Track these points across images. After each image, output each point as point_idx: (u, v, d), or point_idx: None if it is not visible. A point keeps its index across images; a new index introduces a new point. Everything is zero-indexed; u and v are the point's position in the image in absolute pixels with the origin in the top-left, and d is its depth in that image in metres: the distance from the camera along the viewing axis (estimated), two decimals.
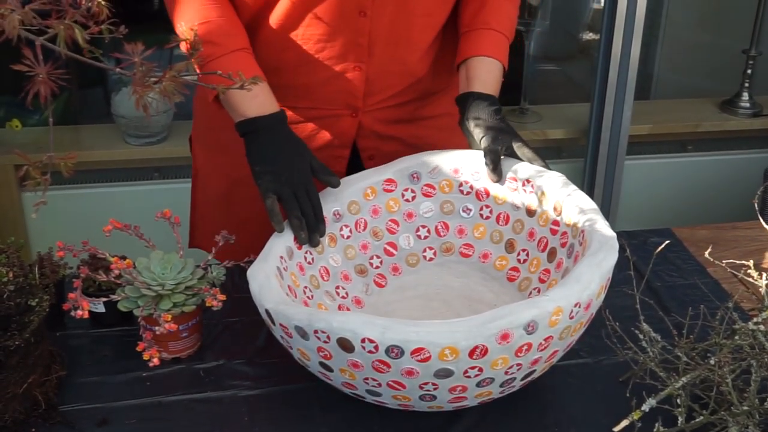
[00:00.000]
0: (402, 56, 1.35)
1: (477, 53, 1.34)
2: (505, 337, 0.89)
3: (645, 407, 0.95)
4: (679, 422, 0.96)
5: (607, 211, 2.56)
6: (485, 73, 1.32)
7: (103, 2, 0.70)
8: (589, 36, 2.99)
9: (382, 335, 0.89)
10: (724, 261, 1.21)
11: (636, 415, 0.95)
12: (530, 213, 1.22)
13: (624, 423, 0.96)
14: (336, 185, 1.21)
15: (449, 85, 1.47)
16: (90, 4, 0.69)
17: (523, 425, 1.06)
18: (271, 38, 1.30)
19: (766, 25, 2.71)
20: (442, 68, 1.43)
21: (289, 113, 1.36)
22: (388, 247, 1.28)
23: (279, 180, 1.17)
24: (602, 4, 2.40)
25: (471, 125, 1.27)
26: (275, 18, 1.28)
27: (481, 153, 1.25)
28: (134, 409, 1.07)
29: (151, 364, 1.08)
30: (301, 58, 1.31)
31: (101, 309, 1.18)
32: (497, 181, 1.24)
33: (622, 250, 1.04)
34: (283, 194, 1.16)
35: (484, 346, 0.89)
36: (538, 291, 1.19)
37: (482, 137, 1.25)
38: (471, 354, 0.89)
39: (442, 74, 1.44)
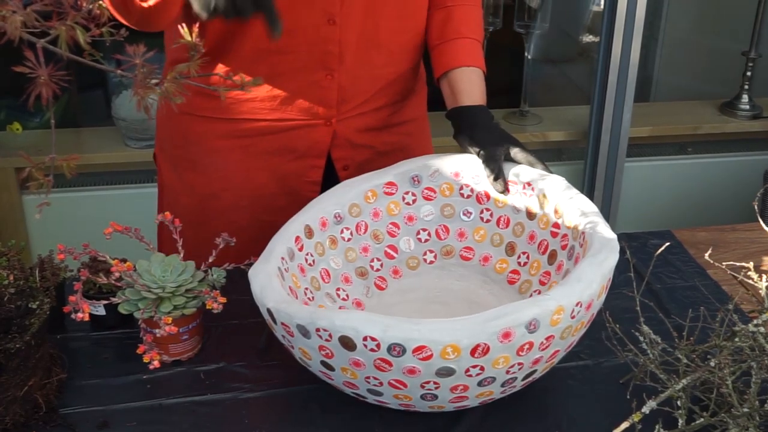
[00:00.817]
0: (373, 60, 1.35)
1: (456, 65, 1.34)
2: (506, 335, 0.89)
3: (645, 409, 0.95)
4: (679, 424, 0.96)
5: (607, 213, 2.57)
6: (468, 84, 1.33)
7: (104, 4, 0.70)
8: (588, 38, 2.99)
9: (383, 333, 0.89)
10: (724, 263, 1.21)
11: (636, 417, 0.95)
12: (530, 216, 1.22)
13: (624, 425, 0.96)
14: None
15: (414, 90, 1.47)
16: (91, 6, 0.69)
17: (523, 427, 1.06)
18: (242, 52, 1.29)
19: (766, 27, 2.71)
20: (410, 71, 1.43)
21: (262, 124, 1.36)
22: (389, 250, 1.28)
23: None
24: (602, 6, 2.40)
25: (467, 140, 1.27)
26: (245, 31, 1.27)
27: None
28: (134, 411, 1.07)
29: (151, 367, 1.08)
30: (272, 70, 1.30)
31: (102, 312, 1.19)
32: (502, 191, 1.24)
33: (622, 252, 1.04)
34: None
35: (485, 344, 0.89)
36: (539, 293, 1.19)
37: (479, 150, 1.25)
38: (473, 352, 0.89)
39: (410, 77, 1.44)
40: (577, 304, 0.93)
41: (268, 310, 0.98)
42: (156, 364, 1.08)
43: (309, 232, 1.18)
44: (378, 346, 0.89)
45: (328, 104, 1.35)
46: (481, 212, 1.29)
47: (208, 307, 1.13)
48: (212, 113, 1.36)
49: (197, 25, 0.86)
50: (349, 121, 1.39)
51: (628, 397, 1.04)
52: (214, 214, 1.41)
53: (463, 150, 1.30)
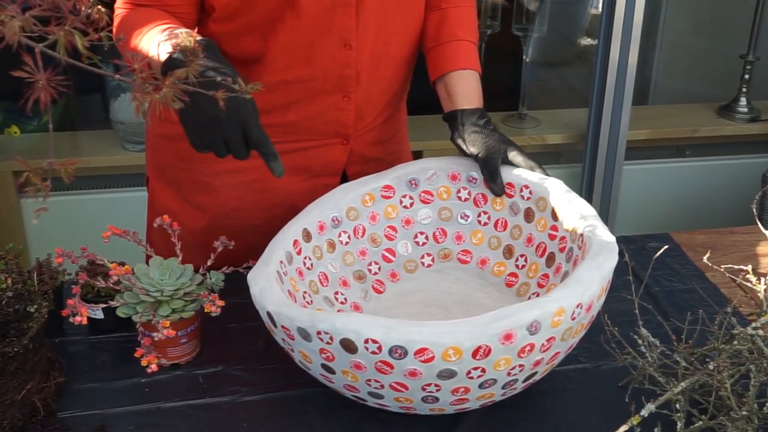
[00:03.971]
0: (383, 75, 1.35)
1: (452, 68, 1.34)
2: (508, 337, 0.89)
3: (644, 412, 0.95)
4: (678, 427, 0.96)
5: (605, 216, 2.57)
6: (465, 87, 1.33)
7: (103, 9, 0.70)
8: (587, 41, 3.00)
9: (385, 335, 0.89)
10: (722, 266, 1.21)
11: (635, 420, 0.95)
12: (528, 219, 1.23)
13: (623, 428, 0.96)
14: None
15: (403, 99, 1.48)
16: (90, 10, 0.69)
17: (521, 430, 1.06)
18: (259, 82, 1.27)
19: (764, 30, 2.72)
20: (409, 74, 1.43)
21: (278, 147, 1.35)
22: (387, 254, 1.28)
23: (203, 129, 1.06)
24: (600, 10, 2.40)
25: (465, 144, 1.27)
26: (262, 62, 1.27)
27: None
28: (133, 415, 1.07)
29: (149, 370, 1.08)
30: (289, 98, 1.30)
31: (100, 315, 1.18)
32: (499, 194, 1.24)
33: (620, 255, 1.04)
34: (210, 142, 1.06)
35: (487, 346, 0.89)
36: (537, 296, 1.19)
37: (477, 153, 1.25)
38: (474, 354, 0.89)
39: (408, 79, 1.44)
40: (577, 306, 0.93)
41: (268, 314, 0.98)
42: (153, 367, 1.08)
43: (307, 236, 1.18)
44: (379, 348, 0.89)
45: (345, 124, 1.35)
46: (479, 215, 1.29)
47: (206, 311, 1.12)
48: None
49: (196, 29, 0.86)
50: (363, 136, 1.39)
51: (626, 400, 1.04)
52: (225, 232, 1.38)
53: (460, 153, 1.30)
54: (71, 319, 1.05)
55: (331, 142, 1.37)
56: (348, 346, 0.91)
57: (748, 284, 1.12)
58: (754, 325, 1.00)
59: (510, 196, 1.25)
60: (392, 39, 1.32)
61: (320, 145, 1.36)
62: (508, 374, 0.94)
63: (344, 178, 1.42)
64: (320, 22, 1.24)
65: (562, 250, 1.16)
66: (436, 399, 0.95)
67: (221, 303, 1.13)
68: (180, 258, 1.16)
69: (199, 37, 1.04)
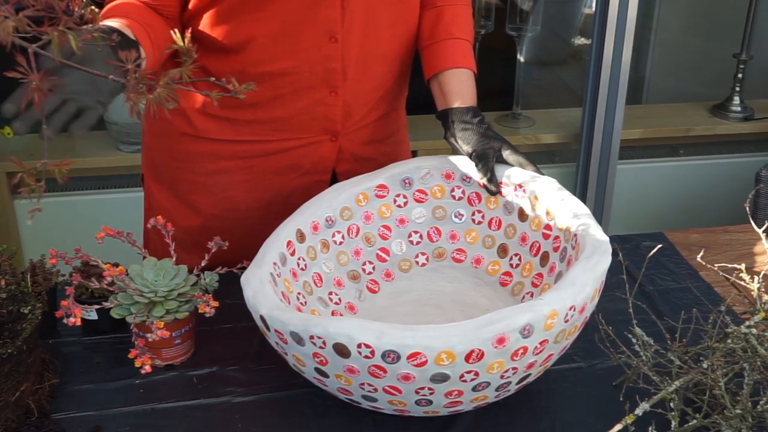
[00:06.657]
0: (373, 71, 1.35)
1: (447, 66, 1.34)
2: (501, 341, 0.89)
3: (638, 411, 0.95)
4: (672, 426, 0.96)
5: (599, 215, 2.57)
6: (459, 85, 1.33)
7: (95, 9, 0.70)
8: (580, 41, 3.00)
9: (378, 340, 0.89)
10: (716, 264, 1.21)
11: (629, 419, 0.95)
12: (522, 218, 1.23)
13: (617, 427, 0.96)
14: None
15: (402, 91, 1.47)
16: (83, 11, 0.69)
17: (517, 430, 1.06)
18: (245, 74, 1.27)
19: (757, 29, 2.72)
20: (404, 73, 1.43)
21: (267, 146, 1.36)
22: (381, 253, 1.28)
23: None
24: (594, 9, 2.41)
25: (458, 142, 1.27)
26: (247, 54, 1.27)
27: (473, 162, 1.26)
28: (127, 416, 1.07)
29: (143, 371, 1.08)
30: (275, 92, 1.30)
31: (94, 316, 1.18)
32: (494, 193, 1.24)
33: (614, 254, 1.04)
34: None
35: (480, 350, 0.89)
36: (531, 295, 1.19)
37: (471, 152, 1.25)
38: (467, 358, 0.89)
39: (403, 79, 1.44)
40: (570, 308, 0.93)
41: (261, 317, 0.98)
42: (148, 368, 1.08)
43: (301, 237, 1.18)
44: (372, 353, 0.89)
45: (333, 120, 1.34)
46: (473, 214, 1.29)
47: (200, 311, 1.12)
48: (216, 135, 1.35)
49: (189, 30, 0.86)
50: (353, 134, 1.39)
51: (621, 399, 1.04)
52: (217, 232, 1.37)
53: (454, 151, 1.30)
54: (65, 321, 1.05)
55: (320, 139, 1.36)
56: (341, 350, 0.90)
57: (742, 283, 1.12)
58: (747, 323, 1.01)
59: (504, 195, 1.25)
60: (381, 34, 1.32)
61: (309, 143, 1.36)
62: (502, 377, 0.94)
63: (334, 177, 1.41)
64: (304, 13, 1.24)
65: (555, 249, 1.16)
66: (430, 402, 0.95)
67: (215, 304, 1.12)
68: (174, 258, 1.16)
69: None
